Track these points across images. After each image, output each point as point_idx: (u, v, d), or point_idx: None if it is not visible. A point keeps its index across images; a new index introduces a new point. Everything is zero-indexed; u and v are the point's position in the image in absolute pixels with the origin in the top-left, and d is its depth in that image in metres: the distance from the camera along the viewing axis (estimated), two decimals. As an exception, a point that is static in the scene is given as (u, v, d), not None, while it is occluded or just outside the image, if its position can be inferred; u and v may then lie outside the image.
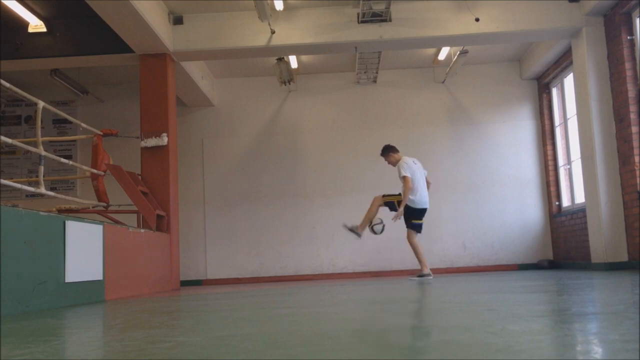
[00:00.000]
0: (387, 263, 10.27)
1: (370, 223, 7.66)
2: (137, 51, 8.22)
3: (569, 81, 9.45)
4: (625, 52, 7.53)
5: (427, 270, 7.60)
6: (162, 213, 7.81)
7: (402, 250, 10.09)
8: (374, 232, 7.72)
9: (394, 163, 7.83)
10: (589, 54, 8.05)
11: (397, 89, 10.73)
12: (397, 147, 8.01)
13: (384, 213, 7.78)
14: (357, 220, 7.86)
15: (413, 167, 7.66)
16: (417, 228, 7.67)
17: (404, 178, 7.52)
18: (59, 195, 6.35)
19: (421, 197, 7.64)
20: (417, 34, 8.37)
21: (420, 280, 7.30)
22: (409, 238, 7.67)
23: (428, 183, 7.91)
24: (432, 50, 9.96)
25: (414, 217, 7.63)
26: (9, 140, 5.16)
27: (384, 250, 10.25)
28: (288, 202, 10.47)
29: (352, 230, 7.68)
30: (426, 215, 7.85)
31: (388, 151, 7.90)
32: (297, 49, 8.78)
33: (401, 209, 7.49)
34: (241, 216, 10.45)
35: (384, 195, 7.74)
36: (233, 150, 10.66)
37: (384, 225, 7.68)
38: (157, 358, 1.79)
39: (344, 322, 2.68)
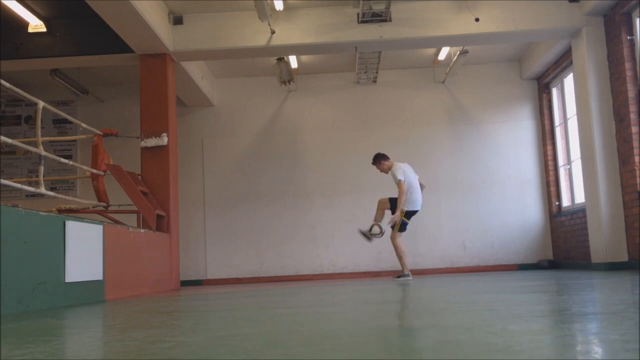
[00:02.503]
0: (387, 263, 10.25)
1: (370, 229, 7.78)
2: (137, 51, 8.22)
3: (569, 81, 9.45)
4: (625, 52, 7.53)
5: (407, 271, 7.74)
6: (162, 213, 7.81)
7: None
8: (367, 238, 7.84)
9: (386, 170, 7.95)
10: (589, 54, 8.05)
11: (397, 89, 10.73)
12: (388, 155, 8.13)
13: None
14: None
15: (406, 171, 7.78)
16: (404, 228, 7.77)
17: (399, 182, 7.61)
18: (59, 195, 6.35)
19: (417, 198, 7.77)
20: (417, 34, 8.37)
21: (401, 280, 7.38)
22: (393, 239, 7.77)
23: (422, 186, 8.05)
24: (432, 50, 9.96)
25: (409, 217, 7.75)
26: (9, 140, 5.16)
27: (384, 251, 10.23)
28: (288, 202, 10.47)
29: (364, 234, 7.80)
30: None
31: (380, 159, 7.99)
32: (297, 49, 8.78)
33: (398, 213, 7.56)
34: (241, 216, 10.45)
35: (390, 199, 7.80)
36: (233, 150, 10.66)
37: (382, 234, 7.76)
38: (157, 358, 1.79)
39: (344, 322, 2.68)
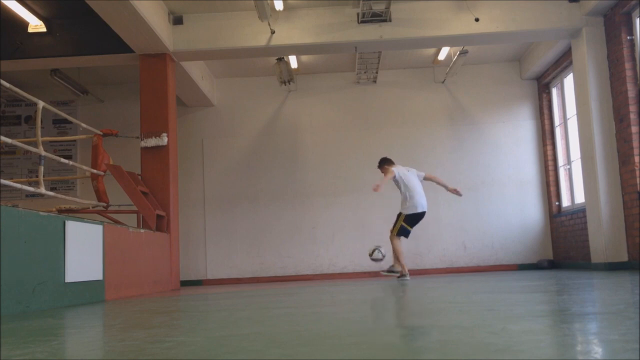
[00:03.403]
0: (387, 263, 10.25)
1: (374, 253, 7.99)
2: (137, 51, 8.22)
3: (569, 81, 9.45)
4: (625, 52, 7.53)
5: (404, 271, 7.65)
6: (162, 213, 7.81)
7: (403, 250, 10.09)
8: (375, 260, 8.04)
9: None
10: (589, 54, 8.05)
11: (397, 89, 10.73)
12: (389, 155, 8.20)
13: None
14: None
15: (405, 172, 7.74)
16: (406, 233, 7.72)
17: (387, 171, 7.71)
18: (59, 195, 6.35)
19: (418, 202, 7.67)
20: (417, 34, 8.37)
21: (392, 275, 7.55)
22: (391, 239, 7.76)
23: (433, 178, 8.05)
24: (432, 50, 9.96)
25: (412, 223, 7.68)
26: (9, 140, 5.16)
27: (384, 251, 10.23)
28: (288, 202, 10.47)
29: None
30: (426, 215, 7.89)
31: (383, 163, 7.98)
32: (297, 49, 8.78)
33: (382, 183, 7.55)
34: (241, 216, 10.45)
35: (392, 230, 7.79)
36: (233, 150, 10.66)
37: (383, 255, 7.98)
38: (157, 358, 1.79)
39: (344, 322, 2.67)
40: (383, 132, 10.53)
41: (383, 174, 8.02)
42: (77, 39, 8.36)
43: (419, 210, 7.69)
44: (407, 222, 7.67)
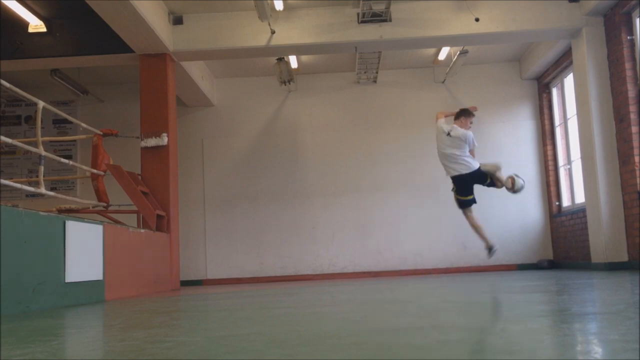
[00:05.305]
0: (387, 263, 10.26)
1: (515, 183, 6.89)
2: (137, 51, 8.22)
3: (569, 81, 9.45)
4: (625, 52, 7.53)
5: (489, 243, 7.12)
6: (162, 213, 7.81)
7: (403, 250, 10.11)
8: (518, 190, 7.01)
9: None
10: (589, 54, 8.05)
11: (397, 89, 10.72)
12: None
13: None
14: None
15: (442, 132, 7.35)
16: (461, 204, 7.17)
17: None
18: (59, 195, 6.35)
19: (449, 164, 7.24)
20: (417, 34, 8.37)
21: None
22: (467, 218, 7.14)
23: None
24: (432, 50, 9.96)
25: (457, 189, 7.16)
26: (9, 140, 5.16)
27: (384, 250, 10.24)
28: (288, 202, 10.47)
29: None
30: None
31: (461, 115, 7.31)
32: (297, 49, 8.78)
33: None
34: (241, 216, 10.45)
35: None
36: (233, 150, 10.66)
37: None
38: (157, 358, 1.79)
39: (344, 322, 2.67)
40: (383, 132, 10.53)
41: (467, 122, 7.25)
42: (77, 39, 8.36)
43: (451, 174, 7.14)
44: (455, 192, 7.09)
